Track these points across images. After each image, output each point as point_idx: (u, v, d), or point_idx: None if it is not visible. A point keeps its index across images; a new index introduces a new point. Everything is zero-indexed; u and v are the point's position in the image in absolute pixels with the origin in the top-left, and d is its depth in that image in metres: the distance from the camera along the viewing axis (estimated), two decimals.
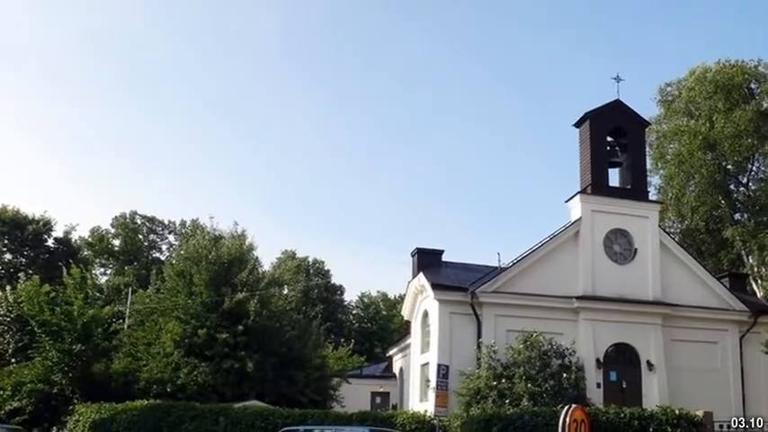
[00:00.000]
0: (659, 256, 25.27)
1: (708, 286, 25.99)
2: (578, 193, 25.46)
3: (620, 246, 25.33)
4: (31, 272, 37.12)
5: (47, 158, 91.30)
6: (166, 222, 63.31)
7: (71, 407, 24.15)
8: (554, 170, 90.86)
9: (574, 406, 13.41)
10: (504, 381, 20.87)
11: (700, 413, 16.57)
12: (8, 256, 48.46)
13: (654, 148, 39.95)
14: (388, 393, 36.04)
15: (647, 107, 50.62)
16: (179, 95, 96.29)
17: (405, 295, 29.11)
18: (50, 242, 50.10)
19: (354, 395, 31.57)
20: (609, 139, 26.68)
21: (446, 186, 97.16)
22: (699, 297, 25.60)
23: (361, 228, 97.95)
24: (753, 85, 38.32)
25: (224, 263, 26.28)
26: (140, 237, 63.21)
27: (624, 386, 23.81)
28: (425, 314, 25.87)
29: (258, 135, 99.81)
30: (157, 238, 63.79)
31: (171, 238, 63.04)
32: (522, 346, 21.52)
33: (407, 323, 29.93)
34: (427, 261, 27.00)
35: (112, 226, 62.41)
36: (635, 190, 26.06)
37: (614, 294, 24.40)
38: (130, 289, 36.87)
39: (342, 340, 49.38)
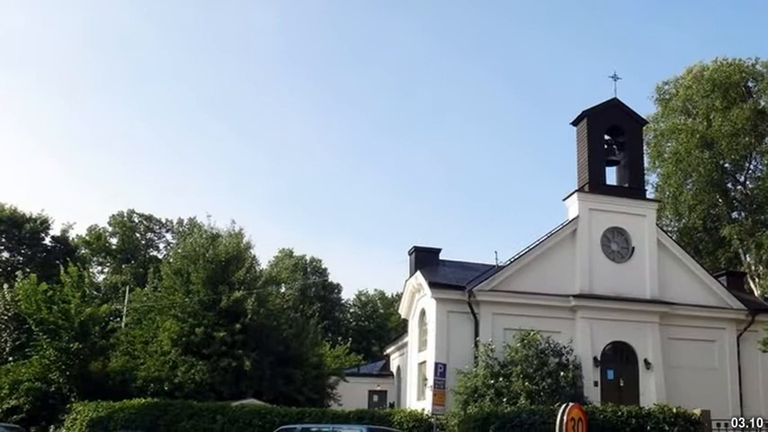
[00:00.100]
0: (657, 255, 25.23)
1: (705, 285, 25.96)
2: (576, 191, 25.41)
3: (617, 244, 25.31)
4: (28, 270, 36.98)
5: (44, 157, 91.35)
6: (164, 221, 63.42)
7: (68, 405, 24.14)
8: (551, 168, 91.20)
9: (571, 404, 13.36)
10: (501, 379, 20.90)
11: (697, 412, 16.52)
12: (5, 255, 48.52)
13: (651, 146, 39.95)
14: (386, 392, 36.02)
15: (644, 105, 50.84)
16: (175, 94, 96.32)
17: (402, 294, 29.11)
18: (48, 240, 50.20)
19: (352, 393, 31.59)
20: (606, 137, 26.63)
21: (444, 184, 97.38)
22: (696, 295, 25.57)
23: (358, 226, 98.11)
24: (750, 84, 38.36)
25: (221, 261, 26.25)
26: (137, 235, 63.23)
27: (621, 385, 23.80)
28: (423, 312, 25.86)
29: (256, 133, 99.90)
30: (155, 236, 63.81)
31: (168, 236, 63.18)
32: (519, 344, 21.57)
33: (405, 321, 29.92)
34: (425, 259, 26.99)
35: (110, 224, 62.44)
36: (632, 188, 26.02)
37: (611, 293, 24.39)
38: (128, 287, 36.76)
39: (339, 339, 49.50)
